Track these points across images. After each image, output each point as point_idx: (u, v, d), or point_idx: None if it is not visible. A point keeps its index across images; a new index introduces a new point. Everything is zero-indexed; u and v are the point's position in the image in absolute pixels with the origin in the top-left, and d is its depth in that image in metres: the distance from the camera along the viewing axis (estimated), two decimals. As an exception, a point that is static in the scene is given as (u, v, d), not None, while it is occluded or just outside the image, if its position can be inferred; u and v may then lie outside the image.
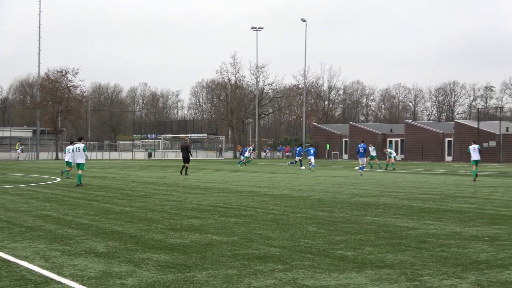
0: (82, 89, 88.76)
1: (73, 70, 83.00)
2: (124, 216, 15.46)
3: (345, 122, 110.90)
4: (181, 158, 38.75)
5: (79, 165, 27.23)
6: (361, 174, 37.44)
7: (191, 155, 38.75)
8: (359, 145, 39.77)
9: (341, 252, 10.50)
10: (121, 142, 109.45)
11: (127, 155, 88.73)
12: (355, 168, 38.23)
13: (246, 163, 57.09)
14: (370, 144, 47.74)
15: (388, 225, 13.92)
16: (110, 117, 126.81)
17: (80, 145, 27.35)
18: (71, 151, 31.00)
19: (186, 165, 37.82)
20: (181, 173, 37.55)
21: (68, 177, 32.51)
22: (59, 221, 14.59)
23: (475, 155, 33.56)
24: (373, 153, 46.13)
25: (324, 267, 9.26)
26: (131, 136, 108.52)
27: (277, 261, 9.68)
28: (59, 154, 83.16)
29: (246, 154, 57.17)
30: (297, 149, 50.25)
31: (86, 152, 27.49)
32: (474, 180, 31.84)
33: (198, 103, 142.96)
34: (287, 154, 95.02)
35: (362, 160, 39.04)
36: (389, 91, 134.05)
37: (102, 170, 43.74)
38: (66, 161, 32.11)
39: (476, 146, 34.04)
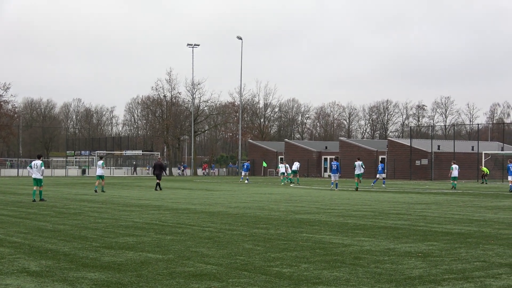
0: (14, 104, 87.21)
1: (4, 85, 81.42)
2: (57, 234, 15.18)
3: (280, 139, 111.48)
4: (152, 175, 41.62)
5: (37, 181, 27.69)
6: (332, 190, 40.30)
7: (165, 173, 42.13)
8: (332, 163, 42.66)
9: (277, 269, 10.54)
10: (54, 159, 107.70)
11: (60, 172, 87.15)
12: (331, 187, 41.12)
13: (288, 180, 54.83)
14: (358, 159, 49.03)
15: (323, 242, 14.04)
16: (43, 133, 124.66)
17: (38, 162, 27.94)
18: (100, 166, 36.98)
19: (158, 181, 39.78)
20: (156, 189, 39.14)
21: (103, 191, 35.79)
22: (-10, 239, 14.24)
23: (358, 170, 42.04)
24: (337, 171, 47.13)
25: (260, 284, 9.27)
26: (64, 153, 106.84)
27: (213, 279, 9.66)
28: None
29: (294, 168, 54.10)
30: (381, 167, 49.42)
31: (43, 168, 28.18)
32: (357, 190, 39.82)
33: (133, 120, 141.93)
34: (203, 171, 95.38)
35: (335, 177, 41.33)
36: (324, 109, 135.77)
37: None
38: (98, 175, 36.62)
39: (360, 162, 42.65)
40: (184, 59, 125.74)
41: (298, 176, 54.98)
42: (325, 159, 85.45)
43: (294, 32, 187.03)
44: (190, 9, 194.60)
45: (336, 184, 41.07)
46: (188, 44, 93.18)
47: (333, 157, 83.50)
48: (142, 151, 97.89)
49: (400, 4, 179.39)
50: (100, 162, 37.86)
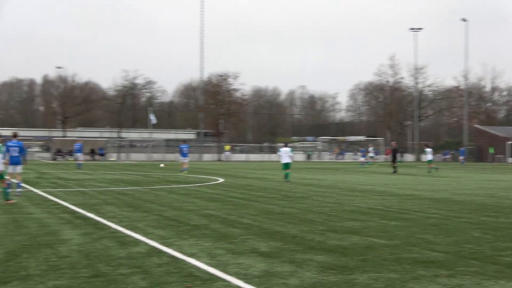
0: (243, 92, 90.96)
1: (233, 74, 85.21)
2: (285, 217, 15.66)
3: (509, 124, 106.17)
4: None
5: (286, 165, 31.31)
6: None
7: (400, 157, 47.51)
8: None
9: (508, 259, 10.10)
10: (280, 144, 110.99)
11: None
12: None
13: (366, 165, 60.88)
14: None
15: (559, 232, 13.21)
16: (269, 120, 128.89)
17: (287, 149, 31.92)
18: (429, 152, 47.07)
19: (394, 164, 44.51)
20: (394, 171, 43.49)
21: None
22: (223, 220, 15.01)
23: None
24: None
25: (490, 274, 8.96)
26: (289, 139, 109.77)
27: (440, 266, 9.47)
28: (221, 155, 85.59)
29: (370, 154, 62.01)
30: None
31: (291, 154, 32.01)
32: None
33: (355, 106, 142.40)
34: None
35: None
36: None
37: (263, 171, 44.59)
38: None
39: None
40: (406, 44, 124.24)
41: None
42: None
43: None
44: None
45: None
46: (411, 29, 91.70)
47: None
48: (366, 137, 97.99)
49: None
50: (429, 150, 47.78)
